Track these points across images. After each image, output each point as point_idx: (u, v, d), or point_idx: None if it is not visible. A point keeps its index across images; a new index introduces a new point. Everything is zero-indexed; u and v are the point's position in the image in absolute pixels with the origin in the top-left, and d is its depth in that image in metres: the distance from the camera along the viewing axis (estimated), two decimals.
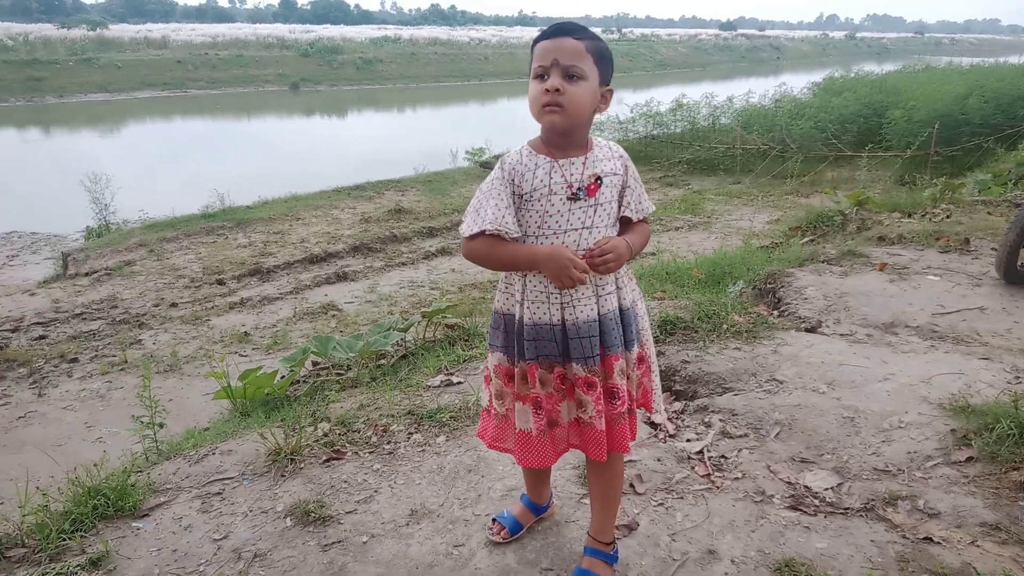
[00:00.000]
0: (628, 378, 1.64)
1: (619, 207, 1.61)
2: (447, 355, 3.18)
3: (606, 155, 1.59)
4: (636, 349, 1.67)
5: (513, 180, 1.55)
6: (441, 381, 2.89)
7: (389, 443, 2.45)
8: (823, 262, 4.14)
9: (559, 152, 1.56)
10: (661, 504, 2.10)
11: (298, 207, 9.48)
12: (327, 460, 2.34)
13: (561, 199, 1.53)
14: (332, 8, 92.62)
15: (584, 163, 1.56)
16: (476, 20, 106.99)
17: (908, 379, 2.75)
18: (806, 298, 3.60)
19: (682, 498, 2.14)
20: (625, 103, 16.70)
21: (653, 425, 2.57)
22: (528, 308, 1.57)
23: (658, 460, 2.33)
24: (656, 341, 3.17)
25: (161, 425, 2.84)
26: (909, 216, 5.32)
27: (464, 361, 3.09)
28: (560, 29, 1.51)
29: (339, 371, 3.28)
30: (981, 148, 11.39)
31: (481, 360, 3.10)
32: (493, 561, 1.87)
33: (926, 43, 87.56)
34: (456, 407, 2.63)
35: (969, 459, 2.25)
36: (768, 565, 1.83)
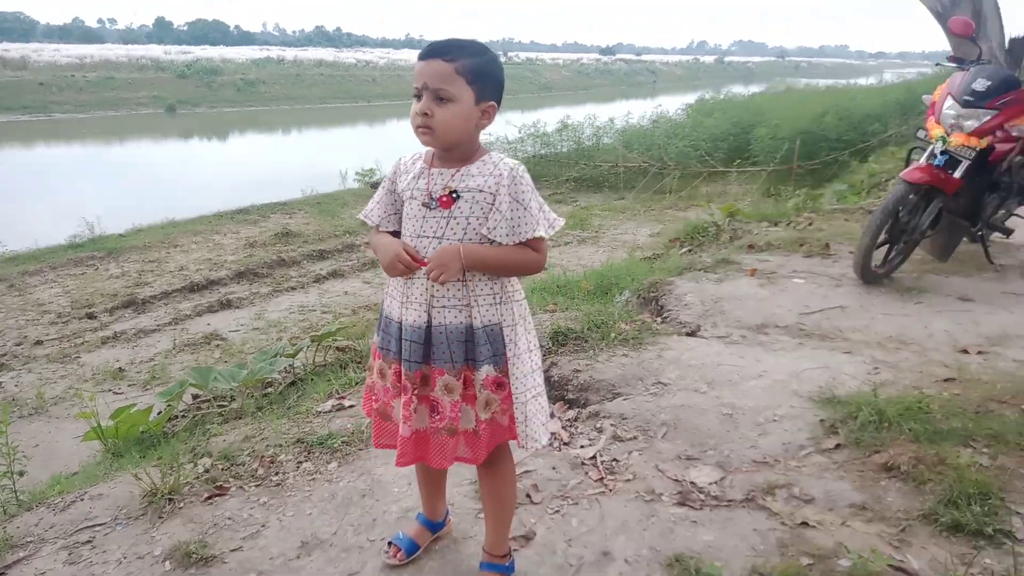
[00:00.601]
0: (473, 397, 1.59)
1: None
2: (338, 379, 3.10)
3: (484, 172, 1.56)
4: (491, 372, 1.58)
5: (395, 179, 1.66)
6: (332, 406, 2.81)
7: (277, 474, 2.35)
8: (700, 270, 4.35)
9: (438, 161, 1.60)
10: (557, 511, 2.13)
11: (176, 233, 9.01)
12: (209, 497, 2.22)
13: (418, 205, 1.58)
14: (210, 29, 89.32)
15: (453, 175, 1.56)
16: (363, 42, 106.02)
17: (780, 375, 2.93)
18: (686, 304, 3.78)
19: (577, 504, 2.17)
20: (513, 124, 17.04)
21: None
22: (387, 299, 1.68)
23: (553, 468, 2.36)
24: (549, 352, 3.23)
25: (21, 473, 2.60)
26: (775, 225, 5.68)
27: (357, 384, 3.02)
28: (432, 50, 1.51)
29: (221, 403, 3.13)
30: (837, 162, 12.37)
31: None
32: None
33: (786, 66, 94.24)
34: (348, 431, 2.57)
35: (837, 446, 2.41)
36: (660, 561, 1.89)
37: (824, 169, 12.22)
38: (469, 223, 1.55)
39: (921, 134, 3.90)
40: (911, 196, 3.75)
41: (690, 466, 2.38)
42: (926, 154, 3.83)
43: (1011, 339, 3.22)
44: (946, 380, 2.79)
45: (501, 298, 1.60)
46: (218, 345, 5.44)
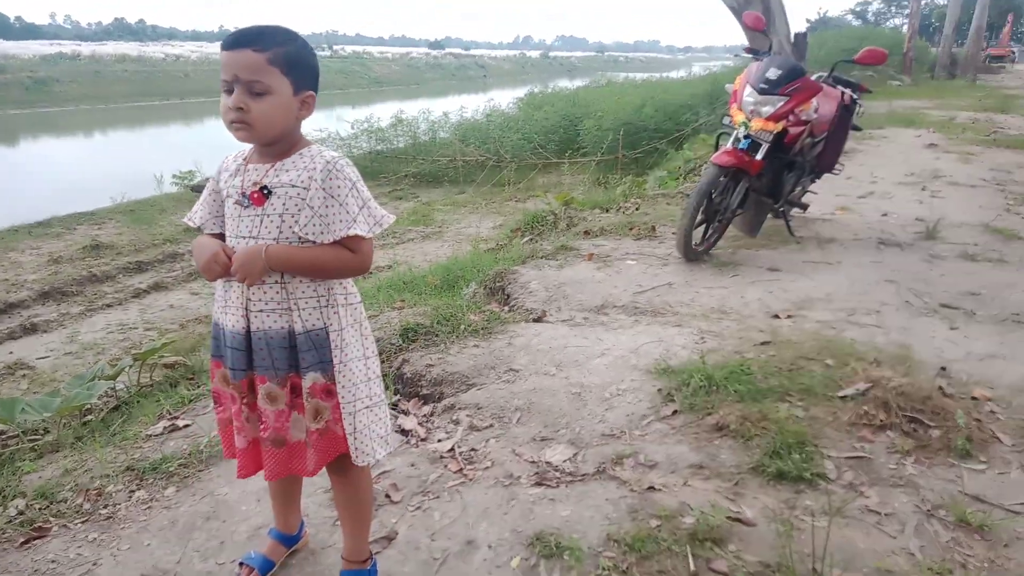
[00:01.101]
0: (302, 406, 1.52)
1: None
2: (168, 398, 2.87)
3: (299, 165, 1.47)
4: (318, 379, 1.51)
5: (218, 178, 1.57)
6: (164, 427, 2.60)
7: (106, 507, 2.14)
8: (542, 258, 4.48)
9: (256, 157, 1.52)
10: (418, 508, 2.11)
11: None
12: (26, 542, 1.98)
13: (233, 203, 1.51)
14: None
15: (267, 171, 1.48)
16: (171, 35, 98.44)
17: (621, 352, 3.09)
18: (531, 291, 3.87)
19: (438, 497, 2.16)
20: (345, 119, 16.60)
21: (404, 432, 2.57)
22: (215, 305, 1.60)
23: (412, 466, 2.34)
24: (400, 349, 3.19)
25: None
26: (607, 211, 5.98)
27: (191, 401, 2.81)
28: (240, 39, 1.40)
29: (33, 437, 2.79)
30: (657, 150, 13.24)
31: (210, 397, 2.85)
32: None
33: (606, 61, 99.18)
34: (184, 452, 2.39)
35: (674, 412, 2.58)
36: (522, 542, 1.93)
37: (646, 157, 13.03)
38: (283, 220, 1.46)
39: (726, 120, 4.26)
40: (721, 178, 4.09)
41: (545, 447, 2.45)
42: (731, 138, 4.18)
43: (814, 303, 3.60)
44: (763, 344, 3.07)
45: (327, 301, 1.52)
46: (24, 375, 4.84)
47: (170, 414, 2.73)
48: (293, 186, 1.46)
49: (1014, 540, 1.90)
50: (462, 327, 3.36)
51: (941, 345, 3.07)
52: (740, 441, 2.36)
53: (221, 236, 1.57)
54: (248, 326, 1.49)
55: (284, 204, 1.46)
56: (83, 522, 2.08)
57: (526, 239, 5.52)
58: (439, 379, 2.99)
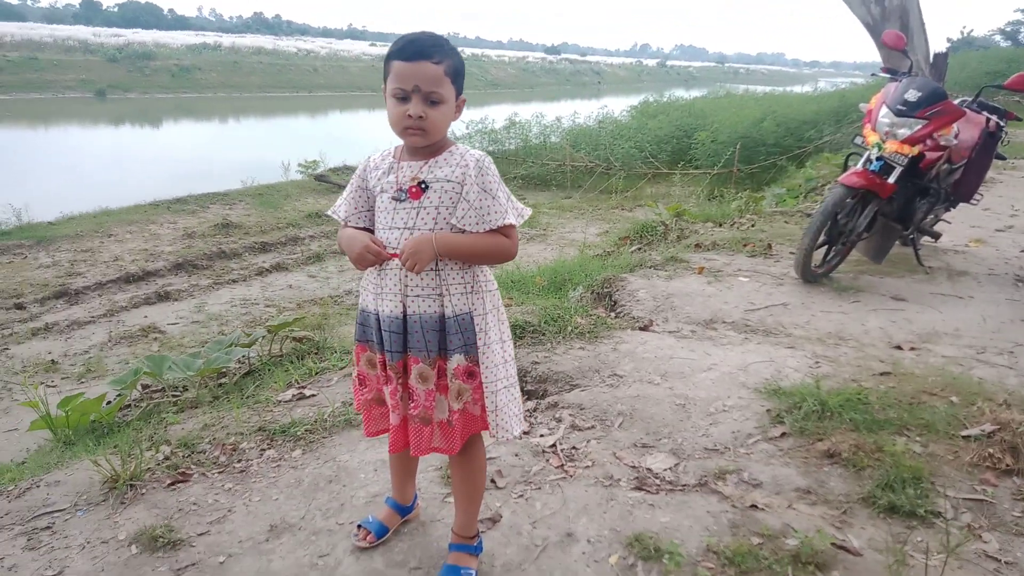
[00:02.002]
0: (445, 387, 1.64)
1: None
2: (297, 369, 3.09)
3: (451, 163, 1.59)
4: (462, 361, 1.62)
5: (365, 176, 1.70)
6: (293, 395, 2.80)
7: (240, 461, 2.34)
8: (651, 267, 4.48)
9: (407, 155, 1.64)
10: (521, 496, 2.19)
11: (110, 223, 8.70)
12: (172, 484, 2.20)
13: (388, 198, 1.62)
14: (142, 11, 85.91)
15: (421, 168, 1.60)
16: (303, 31, 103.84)
17: (728, 368, 3.06)
18: (638, 300, 3.89)
19: (540, 488, 2.24)
20: (462, 120, 17.06)
21: None
22: (362, 293, 1.72)
23: (516, 455, 2.42)
24: None
25: None
26: (720, 225, 5.89)
27: (317, 373, 3.02)
28: (420, 52, 1.52)
29: (175, 392, 3.07)
30: (776, 166, 12.85)
31: (334, 371, 3.05)
32: (360, 567, 1.86)
33: (726, 72, 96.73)
34: (311, 420, 2.57)
35: (783, 434, 2.55)
36: (620, 541, 1.98)
37: (763, 173, 12.67)
38: (439, 212, 1.59)
39: (858, 140, 4.12)
40: (848, 200, 3.96)
41: (646, 453, 2.48)
42: (862, 159, 4.04)
43: (940, 337, 3.44)
44: (882, 374, 2.97)
45: (472, 287, 1.64)
46: (156, 338, 5.31)
47: (298, 383, 2.94)
48: (448, 181, 1.58)
49: None
50: (568, 328, 3.43)
51: None
52: (851, 470, 2.31)
53: (364, 230, 1.69)
54: (405, 310, 1.61)
55: (440, 197, 1.59)
56: (220, 472, 2.28)
57: (634, 248, 5.52)
58: (544, 377, 3.06)
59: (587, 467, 2.39)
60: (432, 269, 1.60)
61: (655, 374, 3.02)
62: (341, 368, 3.07)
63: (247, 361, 3.29)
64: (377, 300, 1.64)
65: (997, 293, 4.09)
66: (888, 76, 4.26)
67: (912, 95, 3.83)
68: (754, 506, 2.16)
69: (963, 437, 2.45)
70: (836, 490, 2.23)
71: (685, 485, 2.28)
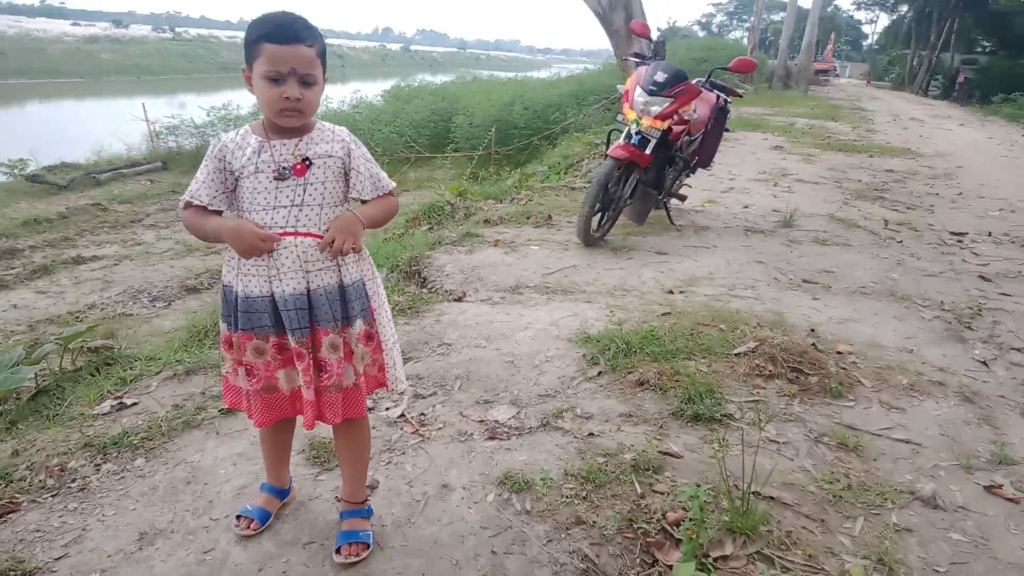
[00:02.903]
0: (351, 354, 1.73)
1: (344, 188, 1.72)
2: (107, 379, 2.84)
3: (325, 138, 1.67)
4: (361, 326, 1.73)
5: (224, 157, 1.65)
6: (111, 407, 2.59)
7: (74, 481, 2.15)
8: (450, 244, 4.71)
9: (274, 134, 1.65)
10: (389, 462, 2.30)
11: None
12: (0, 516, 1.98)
13: (268, 177, 1.62)
14: None
15: (296, 144, 1.64)
16: None
17: (542, 325, 3.40)
18: (447, 274, 4.10)
19: (404, 453, 2.36)
20: (200, 107, 15.86)
21: None
22: (241, 280, 1.67)
23: (373, 428, 2.50)
24: None
25: None
26: (500, 202, 6.29)
27: (132, 381, 2.81)
28: (294, 35, 1.54)
29: None
30: (529, 146, 13.78)
31: (150, 377, 2.86)
32: (251, 553, 1.85)
33: (468, 57, 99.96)
34: (143, 428, 2.42)
35: (599, 373, 2.92)
36: (491, 482, 2.18)
37: (517, 154, 13.52)
38: (325, 187, 1.66)
39: (619, 118, 4.68)
40: (616, 171, 4.51)
41: (489, 408, 2.70)
42: (623, 134, 4.61)
43: (699, 280, 4.10)
44: (664, 314, 3.49)
45: (360, 255, 1.75)
46: None
47: (111, 394, 2.72)
48: (330, 156, 1.66)
49: (880, 455, 2.39)
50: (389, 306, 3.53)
51: (807, 312, 3.63)
52: (659, 393, 2.74)
53: (218, 213, 1.68)
54: (308, 286, 1.64)
55: (324, 172, 1.65)
56: (53, 496, 2.09)
57: (425, 227, 5.71)
58: None
59: (439, 428, 2.55)
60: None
61: (480, 338, 3.25)
62: (157, 373, 2.88)
63: (35, 379, 2.94)
64: (271, 283, 1.64)
65: (733, 242, 4.93)
66: (637, 60, 4.88)
67: (660, 76, 4.46)
68: (591, 434, 2.48)
69: (735, 355, 3.02)
70: (651, 410, 2.64)
71: (531, 428, 2.55)
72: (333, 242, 1.61)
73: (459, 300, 3.76)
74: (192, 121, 15.05)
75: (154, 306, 6.18)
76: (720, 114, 4.85)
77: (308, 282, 1.65)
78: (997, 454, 2.40)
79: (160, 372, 2.87)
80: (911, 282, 4.24)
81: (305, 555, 1.86)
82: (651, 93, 4.46)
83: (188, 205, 1.66)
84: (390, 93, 19.65)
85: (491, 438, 2.49)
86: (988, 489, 2.23)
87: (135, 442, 2.33)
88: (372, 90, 20.56)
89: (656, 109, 4.43)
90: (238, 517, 1.94)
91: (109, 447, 2.31)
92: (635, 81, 4.61)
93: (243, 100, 15.86)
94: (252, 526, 1.92)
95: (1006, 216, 6.38)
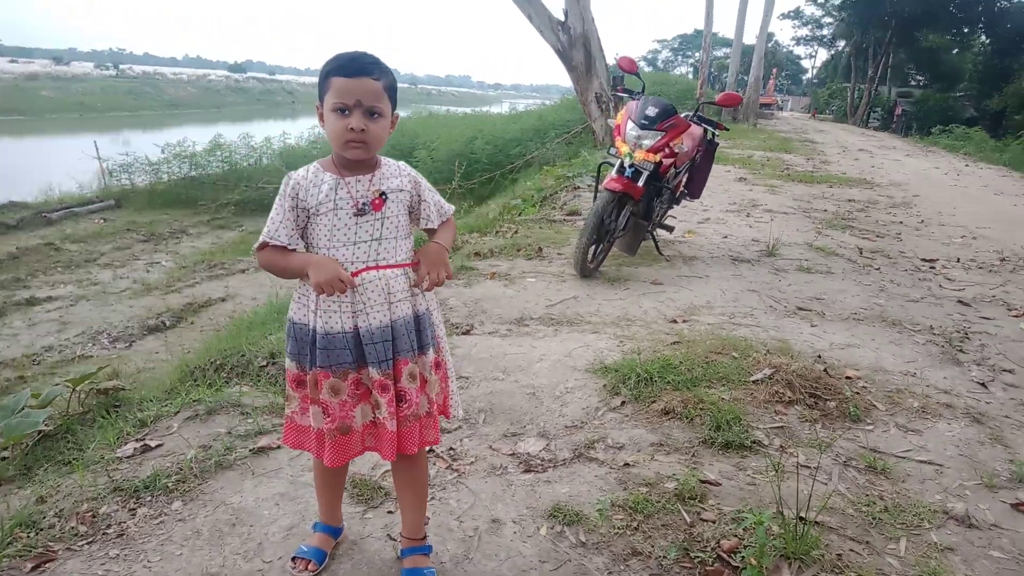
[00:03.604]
0: (425, 382, 1.75)
1: (410, 219, 1.75)
2: (124, 421, 2.75)
3: (393, 173, 1.71)
4: (432, 354, 1.77)
5: (297, 195, 1.66)
6: (135, 449, 2.51)
7: (110, 527, 2.07)
8: None
9: (346, 171, 1.67)
10: (433, 498, 2.27)
11: None
12: (36, 567, 1.89)
13: (348, 214, 1.64)
14: None
15: (371, 180, 1.67)
16: None
17: (556, 356, 3.42)
18: (451, 308, 4.09)
19: (445, 489, 2.34)
20: (155, 144, 15.61)
21: None
22: (321, 317, 1.65)
23: None
24: None
25: None
26: (485, 235, 6.32)
27: (152, 422, 2.72)
28: (361, 68, 1.59)
29: None
30: (492, 180, 13.92)
31: (169, 418, 2.78)
32: None
33: (419, 93, 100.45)
34: (174, 469, 2.35)
35: (623, 403, 2.95)
36: (541, 515, 2.18)
37: (481, 188, 13.63)
38: (399, 220, 1.69)
39: (612, 151, 4.78)
40: (611, 203, 4.59)
41: (518, 440, 2.70)
42: (615, 167, 4.71)
43: (699, 309, 4.18)
44: (674, 343, 3.55)
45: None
46: None
47: (131, 436, 2.63)
48: (401, 190, 1.70)
49: (907, 476, 2.47)
50: None
51: (808, 339, 3.74)
52: (686, 421, 2.77)
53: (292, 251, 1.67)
54: (391, 317, 1.65)
55: (397, 206, 1.69)
56: (89, 543, 2.00)
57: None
58: None
59: (471, 463, 2.54)
60: (404, 273, 1.67)
61: (497, 371, 3.25)
62: (176, 413, 2.80)
63: (46, 423, 2.82)
64: (357, 317, 1.64)
65: (723, 271, 5.05)
66: (627, 96, 5.01)
67: (651, 111, 4.58)
68: (627, 464, 2.50)
69: (752, 382, 3.08)
70: (680, 439, 2.67)
71: (564, 459, 2.55)
72: (428, 274, 1.64)
73: (467, 333, 3.76)
74: (147, 158, 14.81)
75: (114, 347, 6.02)
76: (710, 147, 4.99)
77: (391, 314, 1.66)
78: (1016, 472, 2.51)
79: (179, 412, 2.78)
80: (897, 307, 4.41)
81: None
82: (643, 127, 4.58)
83: (264, 246, 1.66)
84: None
85: (527, 471, 2.48)
86: (1015, 507, 2.32)
87: (169, 485, 2.26)
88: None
89: (648, 143, 4.55)
90: (294, 559, 1.89)
91: (141, 491, 2.23)
92: (626, 115, 4.72)
93: (182, 137, 15.72)
94: (310, 567, 1.87)
95: (969, 243, 6.70)
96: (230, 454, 2.45)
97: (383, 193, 1.66)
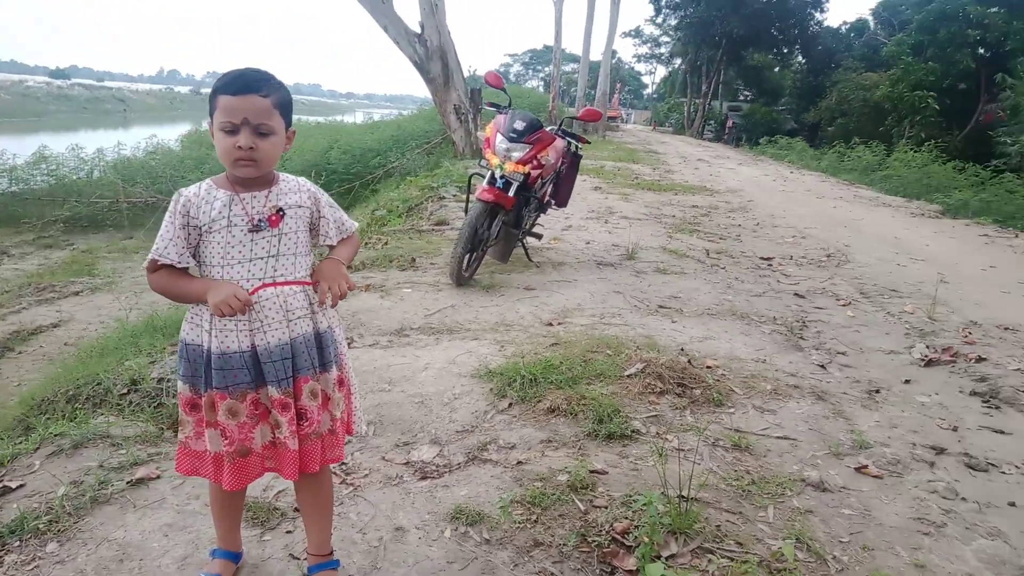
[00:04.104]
0: (328, 400, 1.74)
1: (310, 236, 1.75)
2: None
3: (292, 188, 1.69)
4: (335, 372, 1.75)
5: (188, 212, 1.61)
6: None
7: None
8: None
9: (241, 188, 1.65)
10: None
11: None
12: None
13: (242, 230, 1.62)
14: None
15: (267, 196, 1.65)
16: None
17: (440, 364, 3.47)
18: None
19: (343, 503, 2.32)
20: None
21: None
22: (216, 336, 1.62)
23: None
24: None
25: None
26: None
27: (10, 460, 2.48)
28: (247, 86, 1.56)
29: None
30: (352, 191, 13.70)
31: (27, 456, 2.55)
32: None
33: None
34: (43, 509, 2.17)
35: (510, 405, 3.06)
36: (443, 519, 2.23)
37: (339, 199, 13.32)
38: (299, 236, 1.68)
39: (483, 163, 4.90)
40: (484, 213, 4.71)
41: (411, 449, 2.73)
42: (486, 178, 4.84)
43: (571, 311, 4.38)
44: (552, 345, 3.71)
45: (327, 303, 1.75)
46: None
47: None
48: (299, 206, 1.68)
49: (767, 452, 2.75)
50: None
51: (671, 334, 4.04)
52: (570, 417, 2.92)
53: (184, 270, 1.64)
54: (289, 335, 1.62)
55: (296, 222, 1.66)
56: None
57: None
58: None
59: (366, 475, 2.54)
60: (302, 291, 1.66)
61: (382, 382, 3.26)
62: (35, 449, 2.57)
63: None
64: (254, 336, 1.61)
65: (589, 275, 5.31)
66: (494, 109, 5.15)
67: (519, 124, 4.76)
68: (520, 462, 2.60)
69: (627, 376, 3.29)
70: (567, 434, 2.82)
71: (459, 463, 2.62)
72: (329, 289, 1.63)
73: (347, 346, 3.71)
74: None
75: None
76: (575, 159, 5.24)
77: (290, 331, 1.64)
78: (856, 440, 2.86)
79: (39, 448, 2.56)
80: (744, 302, 4.85)
81: None
82: (512, 140, 4.74)
83: (155, 265, 1.61)
84: (189, 138, 18.55)
85: (424, 478, 2.52)
86: (858, 470, 2.65)
87: (40, 526, 2.08)
88: (164, 135, 19.28)
89: (517, 155, 4.72)
90: None
91: (7, 536, 2.05)
92: (495, 129, 4.87)
93: (19, 149, 14.35)
94: None
95: (799, 242, 7.46)
96: (105, 488, 2.30)
97: (280, 209, 1.65)
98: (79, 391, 3.25)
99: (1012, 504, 2.55)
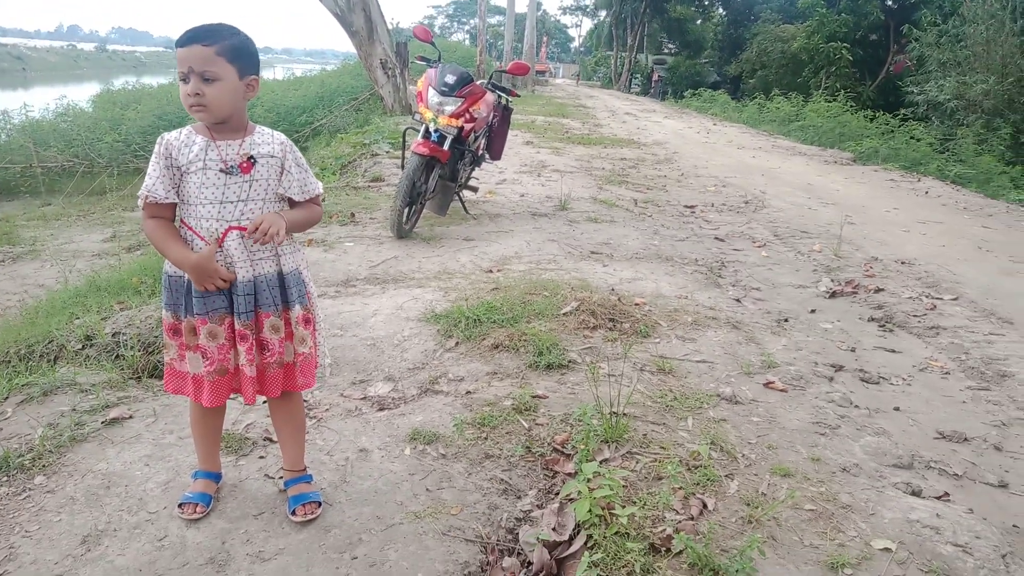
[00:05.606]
0: (292, 335, 1.94)
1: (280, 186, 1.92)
2: None
3: (266, 140, 1.86)
4: (299, 310, 1.92)
5: (170, 154, 1.78)
6: None
7: None
8: None
9: (217, 135, 1.81)
10: None
11: None
12: None
13: (216, 173, 1.79)
14: None
15: (241, 144, 1.82)
16: None
17: (389, 311, 3.68)
18: None
19: (308, 433, 2.51)
20: None
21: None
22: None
23: (267, 416, 2.63)
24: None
25: None
26: None
27: None
28: (192, 37, 1.72)
29: None
30: None
31: (0, 404, 2.66)
32: (207, 533, 1.96)
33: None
34: (25, 448, 2.31)
35: (457, 344, 3.30)
36: (403, 440, 2.48)
37: None
38: (268, 184, 1.85)
39: (416, 117, 5.04)
40: (421, 166, 4.87)
41: (367, 387, 2.95)
42: (421, 132, 4.98)
43: (510, 259, 4.64)
44: (493, 289, 3.96)
45: (295, 247, 1.95)
46: None
47: None
48: (272, 156, 1.84)
49: (688, 373, 3.09)
50: None
51: (602, 276, 4.35)
52: (513, 352, 3.20)
53: (173, 206, 1.81)
54: (253, 273, 1.81)
55: (267, 171, 1.83)
56: None
57: None
58: None
59: (327, 409, 2.76)
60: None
61: (335, 328, 3.45)
62: (4, 398, 2.68)
63: None
64: (228, 270, 1.80)
65: (525, 225, 5.57)
66: (424, 63, 5.27)
67: (450, 79, 4.90)
68: (468, 392, 2.87)
69: (563, 314, 3.58)
70: (510, 366, 3.09)
71: (413, 396, 2.86)
72: (259, 227, 1.77)
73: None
74: None
75: None
76: (506, 112, 5.43)
77: (254, 270, 1.84)
78: (765, 361, 3.24)
79: (8, 397, 2.67)
80: (669, 246, 5.21)
81: (260, 524, 2.02)
82: (443, 94, 4.89)
83: (147, 204, 1.77)
84: (101, 98, 17.69)
85: (381, 409, 2.76)
86: (766, 385, 3.02)
87: (24, 463, 2.23)
88: (73, 95, 18.29)
89: (450, 108, 4.87)
90: (180, 505, 2.02)
91: None
92: (427, 83, 5.00)
93: None
94: (199, 510, 2.02)
95: (720, 190, 7.90)
96: (82, 428, 2.45)
97: (251, 157, 1.82)
98: (32, 348, 3.32)
99: (897, 409, 2.97)
